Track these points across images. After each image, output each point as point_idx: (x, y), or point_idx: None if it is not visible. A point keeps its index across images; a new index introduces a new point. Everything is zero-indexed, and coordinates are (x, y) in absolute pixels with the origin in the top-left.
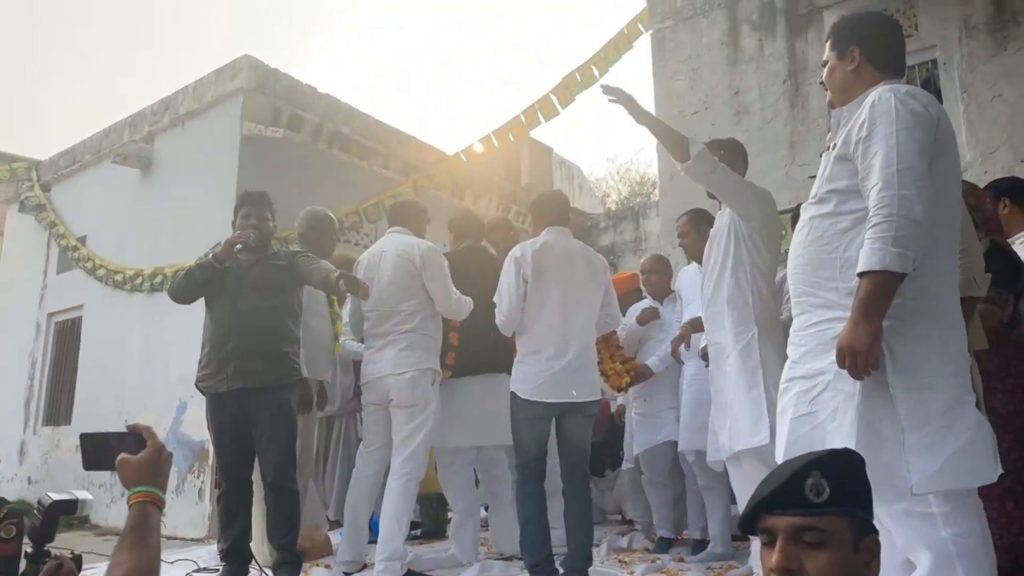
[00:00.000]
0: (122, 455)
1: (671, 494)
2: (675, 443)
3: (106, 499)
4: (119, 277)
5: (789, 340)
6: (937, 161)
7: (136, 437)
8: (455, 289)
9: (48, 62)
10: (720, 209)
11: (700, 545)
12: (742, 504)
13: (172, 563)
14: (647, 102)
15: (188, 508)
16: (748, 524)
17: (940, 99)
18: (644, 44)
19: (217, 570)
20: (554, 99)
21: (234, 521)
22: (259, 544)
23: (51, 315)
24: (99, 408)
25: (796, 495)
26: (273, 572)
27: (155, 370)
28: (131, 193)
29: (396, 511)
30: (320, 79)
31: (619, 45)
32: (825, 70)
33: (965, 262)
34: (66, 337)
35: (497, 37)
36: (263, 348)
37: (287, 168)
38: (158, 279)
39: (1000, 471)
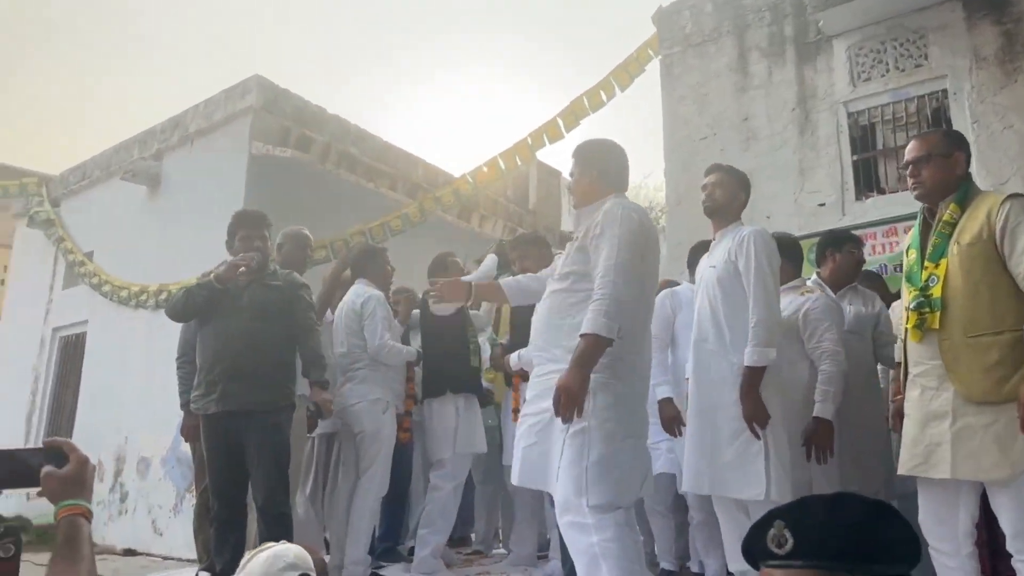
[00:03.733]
0: (47, 468)
1: (673, 524)
2: (673, 475)
3: (103, 517)
4: (124, 293)
5: (528, 385)
6: (646, 258)
7: (54, 452)
8: (387, 336)
9: (60, 79)
10: (714, 239)
11: None
12: (726, 538)
13: None
14: (655, 127)
15: (185, 528)
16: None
17: (950, 126)
18: (653, 68)
19: None
20: (560, 123)
21: (226, 544)
22: None
23: (56, 330)
24: (99, 423)
25: (761, 546)
26: None
27: (156, 387)
28: (139, 210)
29: (358, 521)
30: (329, 100)
31: (629, 70)
32: (572, 180)
33: None
34: (70, 352)
35: (507, 62)
36: (252, 372)
37: (294, 188)
38: (163, 296)
39: (643, 494)
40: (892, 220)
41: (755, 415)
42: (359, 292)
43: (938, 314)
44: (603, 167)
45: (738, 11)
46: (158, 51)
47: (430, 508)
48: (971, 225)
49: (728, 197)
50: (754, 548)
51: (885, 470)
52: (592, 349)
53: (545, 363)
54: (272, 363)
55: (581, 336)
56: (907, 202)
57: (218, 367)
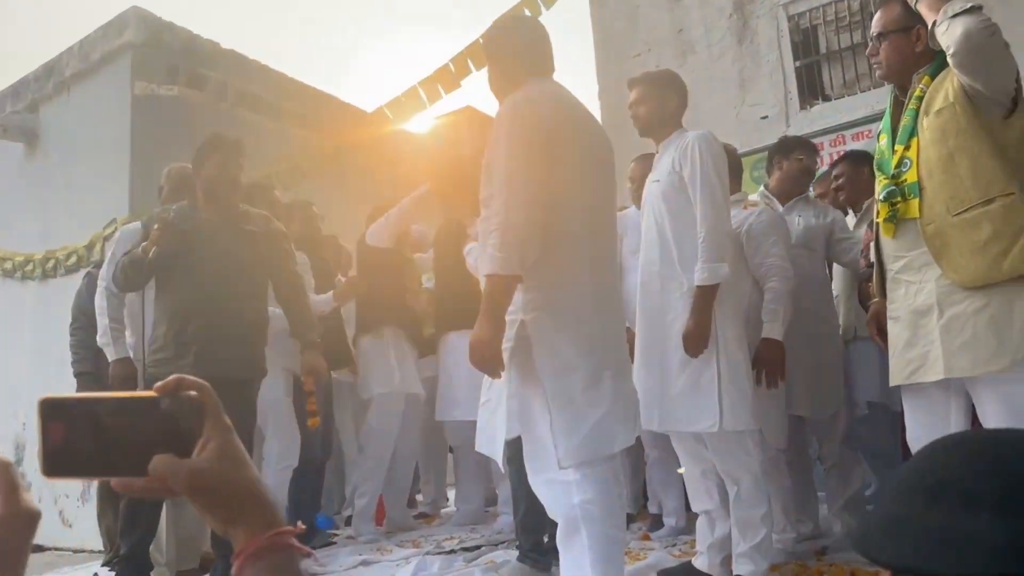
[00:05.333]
0: None
1: (628, 464)
2: None
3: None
4: (8, 265)
5: None
6: (559, 156)
7: None
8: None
9: None
10: (657, 153)
11: (659, 520)
12: (687, 476)
13: None
14: (586, 47)
15: (95, 517)
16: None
17: None
18: None
19: None
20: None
21: (137, 523)
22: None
23: None
24: None
25: None
26: None
27: (52, 365)
28: (17, 170)
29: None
30: (225, 35)
31: None
32: (488, 82)
33: None
34: None
35: None
36: (231, 333)
37: (189, 130)
38: (50, 264)
39: (636, 435)
40: (839, 128)
41: (694, 338)
42: None
43: (914, 201)
44: (511, 49)
45: None
46: None
47: (364, 462)
48: (938, 93)
49: (654, 110)
50: None
51: (845, 389)
52: (495, 291)
53: None
54: (252, 326)
55: (486, 277)
56: (853, 108)
57: (192, 324)
